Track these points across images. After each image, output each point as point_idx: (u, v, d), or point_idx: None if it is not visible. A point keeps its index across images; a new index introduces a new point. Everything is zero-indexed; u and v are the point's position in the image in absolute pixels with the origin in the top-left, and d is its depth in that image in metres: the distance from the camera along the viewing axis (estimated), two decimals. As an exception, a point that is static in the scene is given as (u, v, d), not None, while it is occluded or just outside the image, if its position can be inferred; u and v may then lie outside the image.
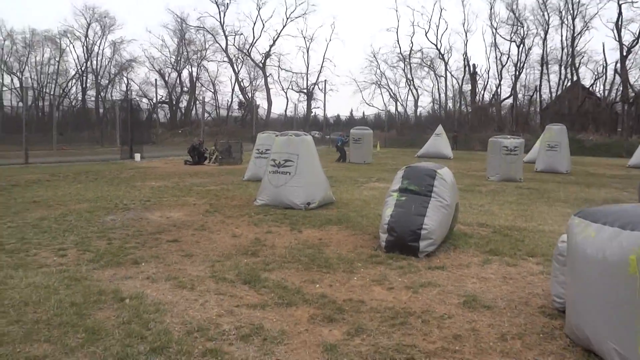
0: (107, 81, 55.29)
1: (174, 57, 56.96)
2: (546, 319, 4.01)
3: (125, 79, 56.18)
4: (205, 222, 7.75)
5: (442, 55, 53.91)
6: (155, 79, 52.68)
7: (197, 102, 56.08)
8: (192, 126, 51.84)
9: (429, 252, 5.88)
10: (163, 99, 56.57)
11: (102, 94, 54.77)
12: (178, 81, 57.90)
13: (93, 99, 54.07)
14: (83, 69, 54.35)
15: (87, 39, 53.47)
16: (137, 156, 22.07)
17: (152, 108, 51.92)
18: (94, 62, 54.38)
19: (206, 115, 52.48)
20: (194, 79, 57.49)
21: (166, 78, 56.88)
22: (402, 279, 4.99)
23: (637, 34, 44.09)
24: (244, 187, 12.48)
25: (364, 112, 63.01)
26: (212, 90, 58.75)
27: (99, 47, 54.39)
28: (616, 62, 45.74)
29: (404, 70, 55.84)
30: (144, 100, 53.27)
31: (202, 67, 57.92)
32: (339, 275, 5.06)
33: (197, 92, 57.94)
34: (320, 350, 3.31)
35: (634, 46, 44.68)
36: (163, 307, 3.97)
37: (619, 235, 3.14)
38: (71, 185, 12.02)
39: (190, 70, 57.56)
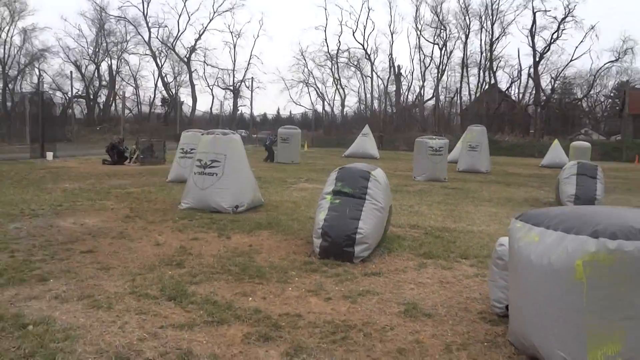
0: (16, 72, 51.18)
1: (91, 48, 53.82)
2: (488, 326, 3.92)
3: (36, 70, 52.26)
4: (125, 228, 7.15)
5: (369, 55, 54.86)
6: (71, 71, 49.22)
7: (117, 97, 53.40)
8: (112, 123, 49.16)
9: (364, 257, 5.71)
10: (79, 93, 53.28)
11: (10, 85, 50.66)
12: (96, 74, 54.81)
13: (0, 91, 49.91)
14: (-12, 58, 50.06)
15: (-7, 25, 49.26)
16: (50, 155, 20.47)
17: (67, 102, 48.71)
18: (1, 50, 50.18)
19: (127, 111, 50.11)
20: (114, 73, 54.69)
21: (83, 70, 53.62)
22: (339, 288, 4.76)
23: (549, 41, 47.05)
24: (168, 189, 11.81)
25: (291, 111, 62.79)
26: (134, 85, 56.20)
27: (7, 34, 50.20)
28: (530, 67, 48.59)
29: (331, 69, 56.24)
30: (58, 94, 49.93)
31: (122, 60, 55.19)
32: (272, 286, 4.75)
33: (117, 86, 55.15)
34: (257, 377, 3.00)
35: (546, 52, 47.65)
36: (74, 333, 3.47)
37: (563, 240, 3.06)
38: (-30, 189, 10.83)
39: (109, 63, 54.66)
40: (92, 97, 54.72)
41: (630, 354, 2.80)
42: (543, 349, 3.13)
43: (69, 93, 49.15)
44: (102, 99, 56.55)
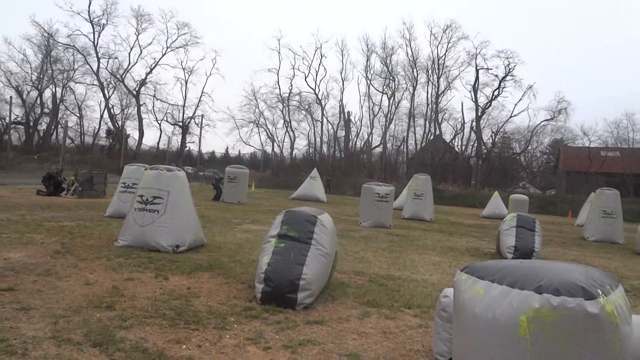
0: (-51, 95, 48.61)
1: (35, 74, 52.00)
2: (430, 381, 3.82)
3: (-28, 94, 49.88)
4: (53, 265, 6.67)
5: (320, 100, 55.86)
6: (11, 97, 47.24)
7: (60, 126, 51.48)
8: (51, 152, 47.22)
9: (307, 304, 5.53)
10: (18, 119, 51.01)
11: (-59, 109, 47.94)
12: (39, 101, 52.78)
13: None
14: None
15: None
16: (-22, 183, 19.27)
17: (3, 128, 46.47)
18: None
19: (69, 141, 48.44)
20: (58, 101, 52.87)
21: (24, 96, 51.51)
22: (279, 337, 4.55)
23: (490, 97, 49.59)
24: (105, 224, 11.26)
25: (240, 151, 62.36)
26: (78, 115, 54.43)
27: (-56, 55, 47.92)
28: (472, 121, 50.86)
29: (282, 111, 56.74)
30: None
31: (68, 89, 53.55)
32: (209, 333, 4.48)
33: (60, 115, 53.27)
34: None
35: (488, 108, 50.10)
36: (-21, 383, 3.11)
37: (508, 294, 3.04)
38: None
39: (53, 90, 52.86)
40: (32, 124, 52.50)
41: (571, 414, 2.76)
42: (486, 407, 3.04)
43: (7, 119, 47.02)
44: (42, 127, 54.41)
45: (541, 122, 51.39)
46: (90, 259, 7.23)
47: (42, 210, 12.91)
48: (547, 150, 59.44)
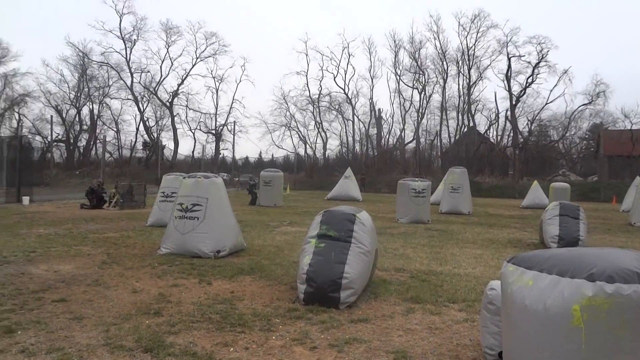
0: (-5, 117, 50.71)
1: (73, 93, 53.82)
2: (481, 376, 3.75)
3: (16, 114, 51.89)
4: (101, 275, 6.87)
5: (350, 99, 55.77)
6: (51, 116, 49.03)
7: (98, 141, 53.05)
8: (91, 167, 48.72)
9: (351, 302, 5.52)
10: (59, 137, 52.85)
11: (-12, 131, 50.03)
12: (77, 119, 54.59)
13: (-22, 136, 49.16)
14: (-32, 103, 49.59)
15: (-25, 70, 49.04)
16: (26, 199, 19.98)
17: (46, 147, 48.17)
18: (-18, 96, 49.81)
19: (107, 155, 49.75)
20: (95, 117, 54.55)
21: (64, 115, 53.35)
22: (324, 336, 4.56)
23: (524, 85, 48.45)
24: (147, 233, 11.53)
25: (273, 154, 62.87)
26: (115, 129, 56.02)
27: (-12, 80, 49.99)
28: (507, 110, 49.79)
29: (313, 113, 56.90)
30: (38, 138, 49.40)
31: (104, 105, 55.19)
32: (255, 335, 4.52)
33: (98, 130, 54.90)
34: None
35: (522, 96, 48.97)
36: (40, 391, 3.22)
37: (558, 284, 2.95)
38: (-60, 235, 10.41)
39: (91, 107, 54.60)
40: (72, 141, 54.30)
41: (632, 404, 2.66)
42: (541, 400, 2.96)
43: (49, 137, 48.77)
44: (82, 143, 56.18)
45: (579, 107, 49.98)
46: (136, 268, 7.41)
47: (86, 223, 13.31)
48: (587, 136, 57.68)
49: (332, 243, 5.79)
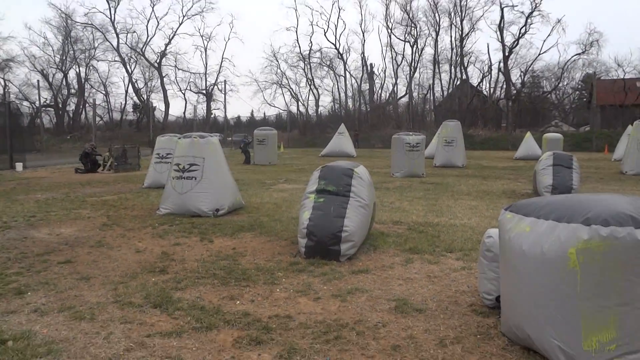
0: (-21, 83, 49.71)
1: (58, 56, 52.64)
2: (479, 318, 3.91)
3: (2, 80, 50.93)
4: (103, 237, 6.95)
5: (341, 55, 54.97)
6: (38, 81, 48.17)
7: (87, 105, 52.32)
8: (82, 131, 48.27)
9: (351, 255, 5.66)
10: (47, 102, 52.05)
11: (-27, 97, 49.13)
12: (64, 83, 53.61)
13: (-37, 103, 48.30)
14: (-50, 70, 48.45)
15: (-46, 36, 47.68)
16: (19, 166, 19.87)
17: (35, 112, 47.48)
18: (-37, 62, 48.66)
19: (98, 119, 49.12)
20: (83, 80, 53.57)
21: (50, 79, 52.40)
22: (327, 287, 4.69)
23: (517, 35, 47.83)
24: (145, 195, 11.58)
25: (265, 113, 62.43)
26: (104, 92, 55.19)
27: (-31, 45, 48.79)
28: (499, 62, 49.33)
29: (304, 70, 56.15)
30: (25, 103, 48.60)
31: (91, 68, 54.12)
32: (260, 289, 4.65)
33: (86, 94, 54.03)
34: (251, 382, 2.91)
35: (515, 47, 48.42)
36: (57, 347, 3.33)
37: (555, 229, 3.06)
38: (-63, 203, 10.41)
39: (77, 70, 53.53)
40: (60, 105, 53.51)
41: (624, 340, 2.81)
42: (538, 339, 3.11)
43: (37, 102, 48.04)
44: (71, 107, 55.37)
45: (572, 57, 49.55)
46: (137, 229, 7.50)
47: (83, 187, 13.33)
48: (579, 86, 57.44)
49: (331, 197, 5.87)
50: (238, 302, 4.29)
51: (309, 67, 55.72)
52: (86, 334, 3.58)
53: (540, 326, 3.09)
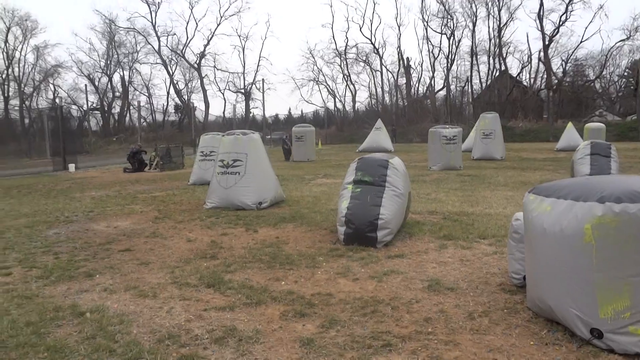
0: (31, 89, 52.29)
1: (103, 60, 54.74)
2: (507, 295, 4.18)
3: (51, 85, 53.39)
4: (157, 228, 7.52)
5: (377, 49, 54.84)
6: (85, 85, 50.29)
7: (131, 107, 54.22)
8: (127, 133, 50.05)
9: (387, 241, 5.99)
10: (94, 105, 54.26)
11: (26, 102, 51.74)
12: (109, 86, 55.72)
13: (17, 108, 50.94)
14: (4, 76, 51.10)
15: (7, 44, 50.24)
16: (72, 167, 21.05)
17: (83, 115, 49.63)
18: (16, 69, 51.31)
19: (141, 120, 50.86)
20: (127, 83, 55.51)
21: (96, 83, 54.55)
22: (365, 270, 5.05)
23: (557, 23, 46.65)
24: (191, 191, 12.20)
25: (302, 110, 63.14)
26: (147, 94, 56.94)
27: (21, 52, 51.28)
28: (539, 51, 48.22)
29: (340, 66, 56.35)
30: (74, 107, 50.87)
31: (134, 70, 56.03)
32: (302, 271, 5.05)
33: (130, 96, 55.93)
34: (298, 345, 3.30)
35: (555, 35, 47.25)
36: (127, 318, 3.82)
37: (573, 207, 3.32)
38: (3, 201, 11.31)
39: (122, 74, 55.52)
40: (106, 108, 55.64)
41: (638, 308, 3.05)
42: (558, 310, 3.39)
43: (84, 106, 50.15)
44: (116, 109, 57.48)
45: (616, 43, 47.92)
46: (186, 221, 8.04)
47: (132, 185, 14.10)
48: (626, 73, 55.52)
49: (368, 187, 6.22)
50: (283, 282, 4.70)
51: (345, 63, 55.90)
52: (151, 308, 4.06)
53: (560, 297, 3.36)
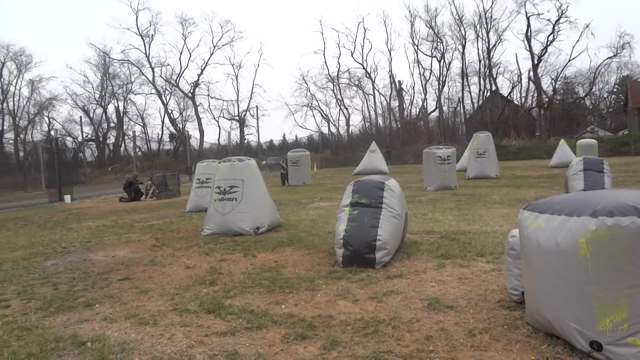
0: (26, 122, 52.45)
1: (97, 92, 55.13)
2: (507, 312, 4.21)
3: (46, 118, 53.63)
4: (155, 256, 7.52)
5: (369, 74, 55.53)
6: (80, 116, 50.56)
7: (126, 137, 54.48)
8: (122, 162, 50.16)
9: (385, 262, 6.01)
10: (89, 136, 54.41)
11: (21, 135, 51.83)
12: (104, 117, 55.98)
13: (11, 142, 51.01)
14: (-2, 111, 51.27)
15: (2, 78, 50.53)
16: (67, 198, 21.02)
17: (78, 147, 49.75)
18: (10, 102, 51.52)
19: (137, 149, 50.99)
20: (121, 114, 55.81)
21: (91, 115, 54.83)
22: (364, 291, 5.07)
23: (545, 43, 47.47)
24: (188, 218, 12.21)
25: (296, 135, 63.34)
26: (141, 124, 57.24)
27: (15, 86, 51.58)
28: (529, 71, 48.97)
29: (333, 91, 56.91)
30: (69, 139, 50.95)
31: (129, 101, 56.40)
32: (302, 294, 5.06)
33: (125, 126, 56.24)
34: (300, 368, 3.31)
35: (544, 55, 48.04)
36: (129, 346, 3.82)
37: (567, 222, 3.38)
38: None
39: (116, 104, 55.88)
40: (101, 139, 55.79)
41: (635, 319, 3.08)
42: (557, 324, 3.42)
43: (79, 137, 50.31)
44: (111, 140, 57.64)
45: (604, 60, 48.72)
46: (184, 248, 8.04)
47: (129, 214, 14.09)
48: (615, 90, 56.31)
49: (365, 209, 6.27)
50: (283, 306, 4.71)
51: (338, 87, 56.49)
52: (152, 336, 4.06)
53: (558, 312, 3.39)
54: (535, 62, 47.73)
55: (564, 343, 3.40)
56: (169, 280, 6.00)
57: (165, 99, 56.40)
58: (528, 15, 47.47)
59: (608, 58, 47.93)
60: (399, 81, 56.38)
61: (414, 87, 57.89)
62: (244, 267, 6.42)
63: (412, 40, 54.19)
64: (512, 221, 8.98)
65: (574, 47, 49.13)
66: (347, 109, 57.08)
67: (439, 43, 52.40)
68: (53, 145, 26.18)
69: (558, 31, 47.06)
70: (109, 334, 4.13)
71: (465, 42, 51.43)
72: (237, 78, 58.32)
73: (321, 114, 57.78)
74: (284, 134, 69.19)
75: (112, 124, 57.01)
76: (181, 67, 55.95)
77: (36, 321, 4.63)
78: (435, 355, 3.39)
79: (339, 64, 56.73)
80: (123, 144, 57.09)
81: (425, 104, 54.99)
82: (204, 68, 56.20)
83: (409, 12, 54.05)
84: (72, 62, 62.90)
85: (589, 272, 3.20)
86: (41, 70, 64.18)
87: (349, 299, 4.81)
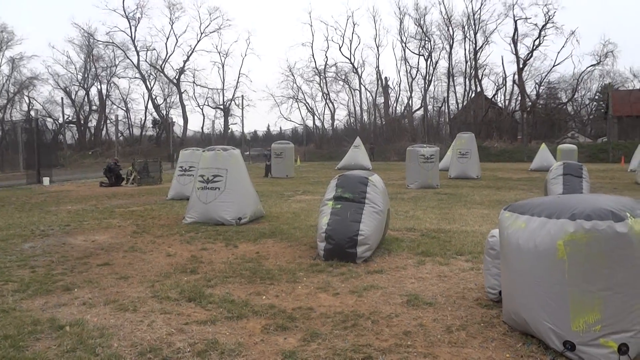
0: (5, 101, 51.34)
1: (80, 74, 54.16)
2: (484, 310, 4.29)
3: (26, 97, 52.58)
4: (135, 243, 7.47)
5: (356, 69, 55.55)
6: (62, 98, 49.67)
7: (108, 121, 53.69)
8: (103, 147, 49.47)
9: (366, 257, 6.07)
10: (70, 118, 53.49)
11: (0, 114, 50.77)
12: (86, 99, 55.06)
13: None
14: (-23, 88, 50.17)
15: (-19, 55, 49.42)
16: (46, 180, 20.68)
17: (58, 128, 48.85)
18: (-11, 80, 50.37)
19: (119, 134, 50.33)
20: (104, 97, 54.95)
21: (73, 96, 53.85)
22: (345, 285, 5.12)
23: (531, 47, 48.00)
24: (169, 206, 12.13)
25: (281, 127, 63.13)
26: (124, 109, 56.43)
27: (-5, 64, 50.45)
28: (514, 74, 49.48)
29: (319, 84, 56.82)
30: (49, 120, 50.01)
31: (112, 84, 55.53)
32: (283, 286, 5.09)
33: (107, 110, 55.38)
34: (280, 358, 3.34)
35: (529, 59, 48.59)
36: (108, 332, 3.80)
37: (546, 224, 3.45)
38: (-24, 214, 11.06)
39: (99, 87, 54.97)
40: (82, 122, 54.91)
41: (608, 321, 3.18)
42: (533, 323, 3.50)
43: (60, 119, 49.43)
44: (92, 123, 56.76)
45: (587, 68, 49.45)
46: (165, 236, 8.00)
47: (109, 199, 13.94)
48: (597, 97, 57.23)
49: (348, 204, 6.31)
50: (264, 297, 4.73)
51: (324, 81, 56.41)
52: (131, 322, 4.05)
53: (534, 311, 3.47)
54: (521, 66, 48.26)
55: (539, 342, 3.49)
56: (150, 267, 5.97)
57: (150, 84, 55.70)
58: (516, 18, 47.94)
59: (591, 65, 48.66)
60: (386, 78, 56.57)
61: (400, 84, 58.27)
62: (225, 257, 6.42)
63: (401, 38, 54.43)
64: (491, 222, 9.12)
65: (559, 52, 49.98)
66: (332, 103, 57.07)
67: (426, 42, 52.64)
68: (33, 125, 25.70)
69: (544, 36, 47.61)
70: (87, 319, 4.11)
71: (452, 42, 51.73)
72: (223, 66, 57.83)
73: (307, 107, 57.70)
74: (269, 125, 69.06)
75: (94, 107, 56.12)
76: (167, 53, 55.25)
77: (13, 303, 4.58)
78: (413, 350, 3.45)
79: (326, 57, 56.64)
80: (105, 128, 56.24)
81: (410, 102, 55.22)
82: (190, 54, 55.60)
83: (399, 9, 54.27)
84: (55, 41, 61.71)
85: (565, 274, 3.29)
86: (23, 48, 63.45)
87: (329, 292, 4.85)
